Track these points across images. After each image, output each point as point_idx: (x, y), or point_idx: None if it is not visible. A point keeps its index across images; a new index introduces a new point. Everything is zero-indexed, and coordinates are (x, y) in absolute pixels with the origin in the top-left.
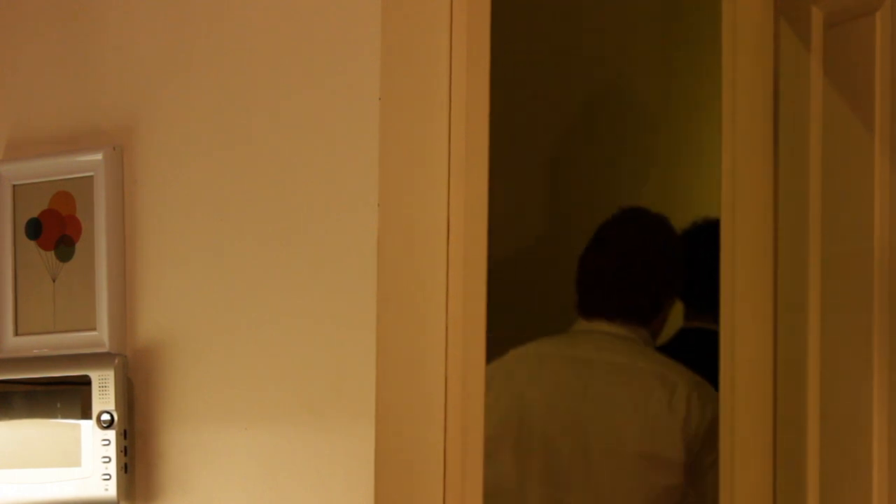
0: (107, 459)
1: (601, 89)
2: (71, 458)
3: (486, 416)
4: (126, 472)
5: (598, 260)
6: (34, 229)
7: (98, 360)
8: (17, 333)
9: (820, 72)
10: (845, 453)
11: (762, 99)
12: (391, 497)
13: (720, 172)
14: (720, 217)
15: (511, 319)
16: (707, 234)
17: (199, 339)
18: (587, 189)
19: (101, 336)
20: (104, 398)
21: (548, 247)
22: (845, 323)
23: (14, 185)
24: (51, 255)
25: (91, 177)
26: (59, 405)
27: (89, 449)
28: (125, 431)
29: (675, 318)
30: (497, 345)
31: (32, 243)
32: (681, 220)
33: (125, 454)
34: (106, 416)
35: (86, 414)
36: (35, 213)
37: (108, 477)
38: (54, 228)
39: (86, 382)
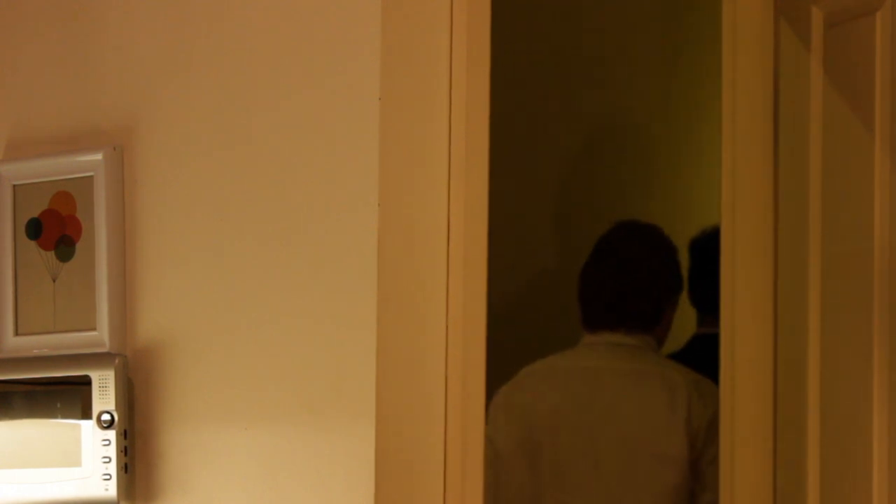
0: (107, 459)
1: (601, 89)
2: (71, 458)
3: (501, 434)
4: (126, 472)
5: (597, 274)
6: (34, 229)
7: (98, 360)
8: (17, 333)
9: (820, 72)
10: (845, 453)
11: (762, 99)
12: (391, 497)
13: (720, 172)
14: (720, 217)
15: (522, 341)
16: (716, 241)
17: (199, 339)
18: (589, 202)
19: (101, 336)
20: (104, 398)
21: (554, 267)
22: (845, 323)
23: (14, 185)
24: (51, 255)
25: (91, 177)
26: (59, 405)
27: (89, 449)
28: (125, 431)
29: (689, 325)
30: (509, 367)
31: (32, 243)
32: (684, 225)
33: (125, 454)
34: (106, 416)
35: (86, 414)
36: (35, 213)
37: (108, 477)
38: (54, 228)
39: (86, 382)
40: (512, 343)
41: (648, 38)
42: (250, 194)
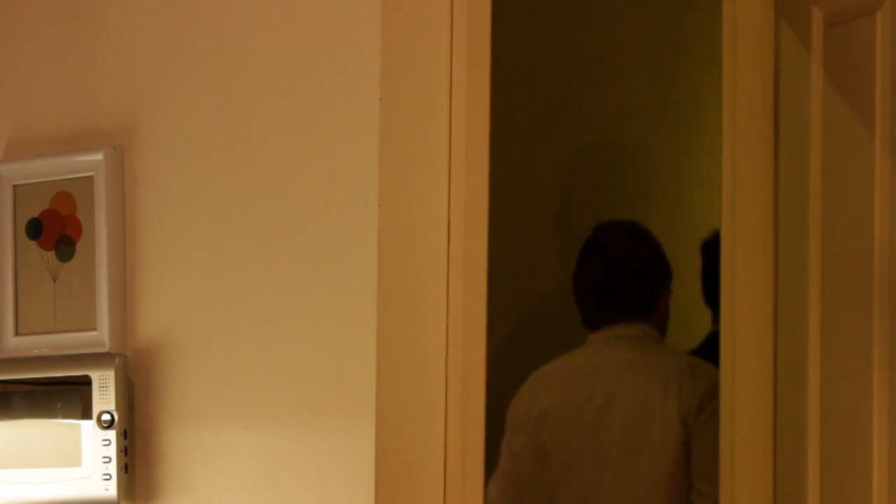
0: (107, 459)
1: (601, 89)
2: (71, 458)
3: (514, 437)
4: (126, 472)
5: (587, 275)
6: (34, 229)
7: (98, 360)
8: (17, 333)
9: (820, 72)
10: (845, 453)
11: (762, 99)
12: (391, 497)
13: (720, 172)
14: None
15: (532, 350)
16: None
17: (199, 339)
18: (589, 202)
19: (101, 336)
20: (104, 398)
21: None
22: (845, 323)
23: (14, 185)
24: (51, 255)
25: (91, 177)
26: (59, 405)
27: (89, 449)
28: (125, 431)
29: (705, 323)
30: (520, 374)
31: (33, 243)
32: (684, 225)
33: (125, 454)
34: (106, 416)
35: (86, 414)
36: (35, 213)
37: (108, 477)
38: (54, 228)
39: (86, 382)
40: (520, 347)
41: (648, 38)
42: (250, 194)
